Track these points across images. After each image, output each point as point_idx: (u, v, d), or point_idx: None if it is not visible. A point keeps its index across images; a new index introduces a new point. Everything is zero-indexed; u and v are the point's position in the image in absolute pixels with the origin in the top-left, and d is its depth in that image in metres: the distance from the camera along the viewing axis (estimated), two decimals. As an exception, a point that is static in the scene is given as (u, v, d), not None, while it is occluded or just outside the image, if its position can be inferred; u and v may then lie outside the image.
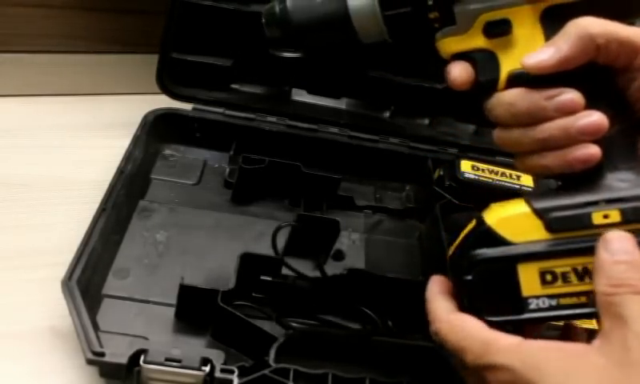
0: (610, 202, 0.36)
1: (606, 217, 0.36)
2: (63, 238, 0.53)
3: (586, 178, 0.37)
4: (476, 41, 0.40)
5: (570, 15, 0.37)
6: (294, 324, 0.52)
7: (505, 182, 0.64)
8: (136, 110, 0.68)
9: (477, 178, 0.64)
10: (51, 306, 0.50)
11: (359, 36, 0.42)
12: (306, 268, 0.56)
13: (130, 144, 0.63)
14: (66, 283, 0.48)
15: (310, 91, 0.72)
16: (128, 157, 0.62)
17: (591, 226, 0.36)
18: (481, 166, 0.65)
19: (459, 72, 0.40)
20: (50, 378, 0.48)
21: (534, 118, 0.37)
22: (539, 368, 0.33)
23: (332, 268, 0.56)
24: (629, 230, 0.35)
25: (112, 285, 0.54)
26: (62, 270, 0.49)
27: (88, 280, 0.50)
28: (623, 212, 0.36)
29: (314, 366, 0.45)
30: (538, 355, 0.34)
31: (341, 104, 0.73)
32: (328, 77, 0.71)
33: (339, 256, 0.61)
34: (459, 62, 0.40)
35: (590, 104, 0.37)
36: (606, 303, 0.33)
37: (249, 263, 0.52)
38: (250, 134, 0.69)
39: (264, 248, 0.57)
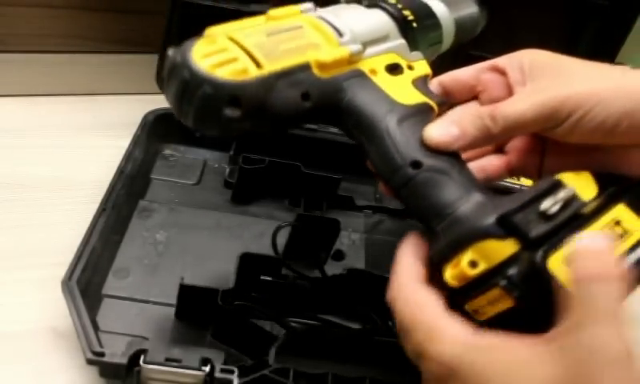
0: None
1: None
2: (63, 238, 0.53)
3: None
4: None
5: None
6: (294, 324, 0.52)
7: (505, 181, 0.64)
8: (136, 109, 0.68)
9: (477, 177, 0.64)
10: (51, 306, 0.50)
11: None
12: (306, 268, 0.56)
13: (130, 144, 0.64)
14: (66, 283, 0.48)
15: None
16: (128, 157, 0.62)
17: None
18: (481, 165, 0.65)
19: None
20: (50, 377, 0.48)
21: None
22: (478, 373, 0.30)
23: (332, 268, 0.56)
24: None
25: (112, 285, 0.54)
26: (62, 270, 0.49)
27: (88, 280, 0.50)
28: None
29: (313, 365, 0.45)
30: (482, 357, 0.30)
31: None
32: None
33: (339, 256, 0.61)
34: None
35: None
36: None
37: (249, 263, 0.52)
38: (250, 134, 0.69)
39: (264, 248, 0.57)
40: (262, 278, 0.53)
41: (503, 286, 0.32)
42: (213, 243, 0.60)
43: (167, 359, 0.43)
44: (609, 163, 0.37)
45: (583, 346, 0.27)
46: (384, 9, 0.43)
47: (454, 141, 0.36)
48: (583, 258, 0.30)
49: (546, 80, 0.38)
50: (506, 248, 0.33)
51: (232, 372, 0.43)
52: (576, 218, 0.33)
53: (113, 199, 0.57)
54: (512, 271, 0.32)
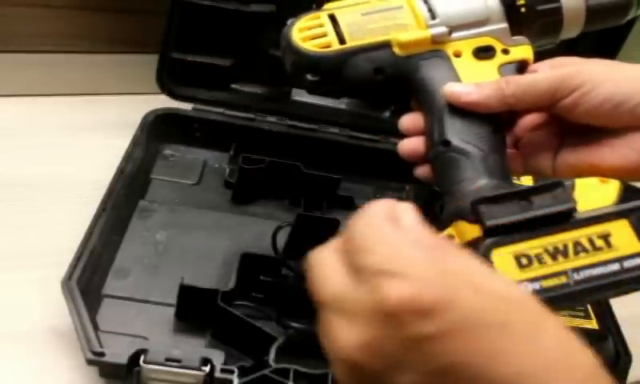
0: None
1: None
2: (63, 238, 0.53)
3: None
4: None
5: None
6: (294, 324, 0.52)
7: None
8: (136, 109, 0.68)
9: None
10: (51, 306, 0.50)
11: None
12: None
13: (130, 144, 0.64)
14: (66, 283, 0.48)
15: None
16: (128, 157, 0.62)
17: None
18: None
19: None
20: (50, 377, 0.48)
21: None
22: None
23: (332, 268, 0.56)
24: None
25: (112, 285, 0.54)
26: (62, 270, 0.49)
27: (88, 280, 0.50)
28: None
29: (314, 365, 0.45)
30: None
31: (341, 104, 0.73)
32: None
33: (339, 256, 0.61)
34: None
35: None
36: None
37: (249, 263, 0.52)
38: (250, 133, 0.69)
39: (264, 248, 0.57)
40: (262, 278, 0.53)
41: None
42: (213, 243, 0.60)
43: (167, 359, 0.43)
44: (615, 152, 0.39)
45: None
46: None
47: (467, 93, 0.40)
48: None
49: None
50: (473, 231, 0.35)
51: (232, 372, 0.43)
52: (557, 218, 0.34)
53: (113, 199, 0.57)
54: None
